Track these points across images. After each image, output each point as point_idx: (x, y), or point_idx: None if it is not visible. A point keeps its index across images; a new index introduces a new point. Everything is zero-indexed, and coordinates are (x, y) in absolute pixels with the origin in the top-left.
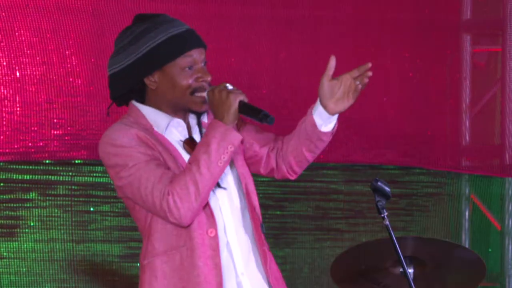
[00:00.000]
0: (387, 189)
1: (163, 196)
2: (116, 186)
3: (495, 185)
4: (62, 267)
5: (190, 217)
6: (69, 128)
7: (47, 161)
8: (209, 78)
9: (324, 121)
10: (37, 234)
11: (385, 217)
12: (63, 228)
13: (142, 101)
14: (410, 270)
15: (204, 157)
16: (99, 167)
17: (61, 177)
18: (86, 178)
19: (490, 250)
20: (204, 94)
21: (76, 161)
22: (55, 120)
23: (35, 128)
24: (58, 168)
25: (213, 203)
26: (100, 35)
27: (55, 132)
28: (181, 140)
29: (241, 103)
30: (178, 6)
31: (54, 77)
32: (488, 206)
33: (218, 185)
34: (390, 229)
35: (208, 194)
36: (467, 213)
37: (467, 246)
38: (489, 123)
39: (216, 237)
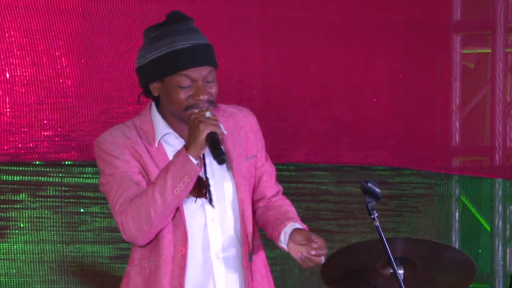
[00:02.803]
0: (377, 190)
1: (120, 213)
2: None
3: (485, 186)
4: (52, 268)
5: (142, 239)
6: (59, 129)
7: (37, 162)
8: (205, 97)
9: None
10: (27, 236)
11: (375, 218)
12: (53, 229)
13: (156, 102)
14: (400, 271)
15: (161, 182)
16: (89, 168)
17: (51, 178)
18: (76, 179)
19: (480, 251)
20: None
21: (66, 162)
22: (45, 121)
23: (25, 129)
24: (48, 169)
25: (194, 221)
26: (90, 36)
27: (45, 133)
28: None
29: (209, 135)
30: (169, 7)
31: (44, 78)
32: (478, 207)
33: (209, 202)
34: (380, 230)
35: (164, 219)
36: (457, 214)
37: (457, 247)
38: (479, 124)
39: (185, 256)
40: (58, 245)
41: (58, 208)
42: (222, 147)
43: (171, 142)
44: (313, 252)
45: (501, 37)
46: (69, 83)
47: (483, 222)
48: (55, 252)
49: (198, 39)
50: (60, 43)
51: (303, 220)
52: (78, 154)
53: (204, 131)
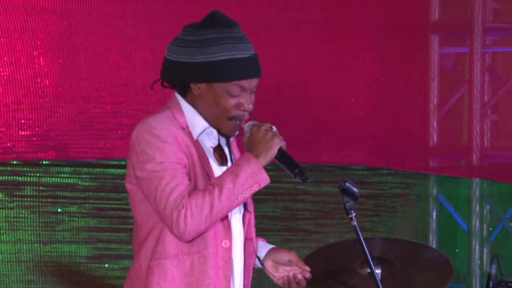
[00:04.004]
0: (355, 190)
1: (177, 206)
2: (130, 175)
3: (463, 186)
4: (29, 268)
5: (193, 236)
6: (36, 129)
7: (14, 162)
8: (250, 107)
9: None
10: (4, 235)
11: (353, 217)
12: (30, 229)
13: (184, 95)
14: (378, 271)
15: (230, 186)
16: (66, 168)
17: (28, 178)
18: (53, 179)
19: (457, 250)
20: (244, 125)
21: (44, 162)
22: (22, 121)
23: (3, 129)
24: (25, 169)
25: (234, 215)
26: (68, 35)
27: (23, 133)
28: (211, 147)
29: (280, 150)
30: (148, 6)
31: (22, 78)
32: (456, 207)
33: (244, 207)
34: (358, 229)
35: (217, 220)
36: (434, 214)
37: (434, 246)
38: (457, 124)
39: (230, 249)
40: (36, 245)
41: (35, 208)
42: (299, 164)
43: (205, 139)
44: (307, 275)
45: (478, 37)
46: (47, 82)
47: (460, 222)
48: (32, 252)
49: (252, 49)
50: (38, 42)
51: (281, 219)
52: (56, 153)
53: (277, 145)
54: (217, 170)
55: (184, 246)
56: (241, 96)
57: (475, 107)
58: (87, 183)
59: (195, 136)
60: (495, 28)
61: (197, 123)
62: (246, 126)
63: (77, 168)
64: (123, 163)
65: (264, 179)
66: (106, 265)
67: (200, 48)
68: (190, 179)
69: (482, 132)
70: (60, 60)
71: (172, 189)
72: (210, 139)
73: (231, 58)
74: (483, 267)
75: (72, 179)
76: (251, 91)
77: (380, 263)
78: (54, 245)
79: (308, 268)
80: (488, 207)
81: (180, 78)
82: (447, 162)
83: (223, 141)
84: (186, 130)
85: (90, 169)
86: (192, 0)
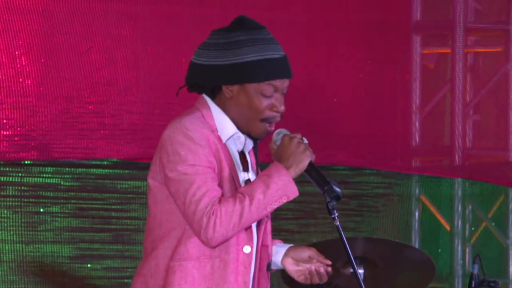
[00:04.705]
0: (337, 189)
1: (207, 212)
2: (156, 171)
3: (445, 186)
4: (12, 269)
5: (220, 242)
6: (18, 129)
7: None
8: (282, 108)
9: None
10: None
11: (336, 217)
12: (12, 229)
13: (212, 97)
14: (361, 271)
15: (260, 197)
16: (49, 168)
17: (10, 178)
18: (35, 179)
19: (439, 250)
20: (272, 129)
21: (26, 162)
22: (4, 121)
23: None
24: (7, 168)
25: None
26: (50, 35)
27: (5, 133)
28: (237, 151)
29: (310, 163)
30: (129, 7)
31: (4, 78)
32: (438, 206)
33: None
34: (341, 229)
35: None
36: (417, 214)
37: (417, 246)
38: (439, 124)
39: (250, 255)
40: (18, 245)
41: (17, 208)
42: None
43: (231, 144)
44: (329, 269)
45: (460, 37)
46: (29, 82)
47: (442, 222)
48: (14, 252)
49: (282, 50)
50: (20, 42)
51: None
52: (38, 153)
53: (308, 158)
54: (241, 175)
55: (206, 249)
56: (273, 97)
57: (457, 107)
58: (70, 183)
59: (224, 139)
60: (477, 28)
61: (226, 126)
62: (276, 135)
63: (59, 168)
64: (105, 163)
65: (293, 192)
66: (89, 265)
67: (231, 50)
68: (218, 184)
69: (464, 132)
70: (42, 60)
71: (202, 195)
72: (236, 144)
73: (264, 59)
74: (465, 267)
75: (54, 179)
76: (283, 93)
77: (363, 263)
78: (36, 245)
79: (329, 262)
80: (470, 207)
81: (212, 81)
82: (429, 162)
83: (248, 147)
84: (215, 133)
85: (72, 169)
86: (175, 0)
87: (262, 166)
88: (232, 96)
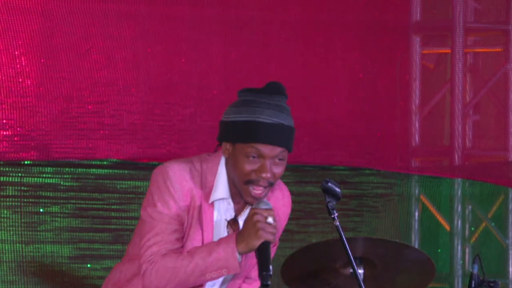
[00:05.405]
0: (337, 190)
1: (148, 261)
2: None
3: (445, 186)
4: (11, 269)
5: None
6: (18, 129)
7: None
8: (268, 175)
9: None
10: None
11: (336, 217)
12: (12, 229)
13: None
14: (360, 271)
15: (199, 261)
16: (48, 168)
17: (10, 178)
18: (35, 179)
19: (439, 250)
20: (256, 192)
21: (26, 162)
22: (4, 121)
23: None
24: (7, 169)
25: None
26: (50, 35)
27: (4, 133)
28: (226, 220)
29: (263, 244)
30: (130, 6)
31: (3, 78)
32: (438, 206)
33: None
34: (340, 229)
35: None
36: (416, 214)
37: (416, 246)
38: (439, 124)
39: None
40: (17, 245)
41: (17, 208)
42: (271, 267)
43: (221, 208)
44: None
45: (460, 38)
46: (29, 82)
47: (442, 222)
48: (14, 252)
49: (282, 118)
50: (20, 42)
51: None
52: (38, 153)
53: (261, 239)
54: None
55: None
56: (260, 162)
57: (456, 107)
58: (69, 183)
59: (211, 199)
60: (477, 28)
61: (219, 188)
62: (255, 204)
63: (59, 168)
64: (105, 163)
65: (234, 268)
66: (89, 265)
67: (234, 107)
68: (181, 238)
69: (464, 132)
70: (42, 60)
71: (154, 243)
72: (228, 209)
73: (253, 121)
74: (465, 267)
75: (54, 179)
76: (274, 161)
77: (363, 263)
78: (36, 245)
79: None
80: (470, 207)
81: (218, 137)
82: (429, 162)
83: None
84: (207, 189)
85: (72, 169)
86: (174, 0)
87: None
88: (228, 155)
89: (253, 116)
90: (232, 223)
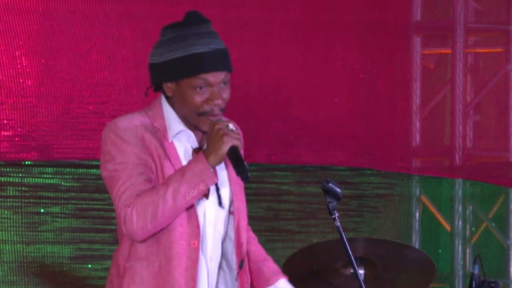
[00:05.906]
0: (338, 190)
1: (125, 205)
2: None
3: (445, 186)
4: (12, 269)
5: (143, 235)
6: (19, 129)
7: None
8: (219, 101)
9: None
10: None
11: (336, 218)
12: (13, 230)
13: (166, 97)
14: (361, 271)
15: (175, 185)
16: (49, 168)
17: (11, 178)
18: (36, 179)
19: (440, 251)
20: (212, 119)
21: (26, 162)
22: (5, 121)
23: None
24: (8, 169)
25: (201, 217)
26: (50, 35)
27: (5, 133)
28: (191, 147)
29: (232, 148)
30: (130, 7)
31: (4, 78)
32: (438, 207)
33: (219, 204)
34: (341, 230)
35: (168, 220)
36: (417, 214)
37: (417, 247)
38: (439, 125)
39: (198, 249)
40: (18, 245)
41: (18, 208)
42: (246, 164)
43: (183, 141)
44: None
45: (461, 38)
46: (29, 83)
47: (443, 222)
48: (15, 253)
49: (217, 43)
50: (20, 42)
51: (264, 220)
52: (38, 154)
53: (228, 143)
54: None
55: (154, 247)
56: (208, 91)
57: (457, 107)
58: (70, 184)
59: (170, 138)
60: (477, 29)
61: (173, 125)
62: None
63: (59, 169)
64: None
65: (210, 178)
66: (89, 266)
67: (164, 47)
68: (152, 180)
69: (465, 132)
70: (43, 60)
71: (125, 189)
72: (190, 141)
73: (192, 53)
74: (466, 267)
75: (55, 180)
76: (220, 86)
77: (363, 263)
78: (37, 246)
79: None
80: (470, 207)
81: (153, 80)
82: (429, 162)
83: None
84: (161, 131)
85: (73, 170)
86: (174, 0)
87: (262, 166)
88: (173, 94)
89: (191, 49)
90: (198, 151)
